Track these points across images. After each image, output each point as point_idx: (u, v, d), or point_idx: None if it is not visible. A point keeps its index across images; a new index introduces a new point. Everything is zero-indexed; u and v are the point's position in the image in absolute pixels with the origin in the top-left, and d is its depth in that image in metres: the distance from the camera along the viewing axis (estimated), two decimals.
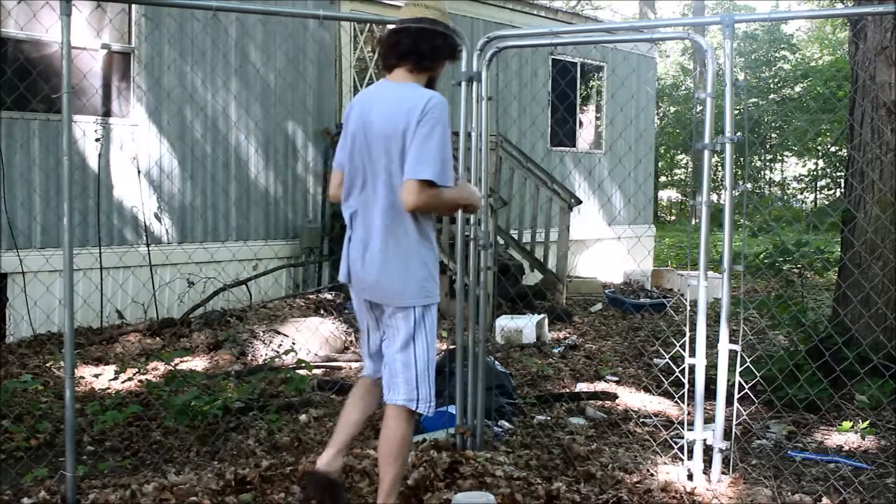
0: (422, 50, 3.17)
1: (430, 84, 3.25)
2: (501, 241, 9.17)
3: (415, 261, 3.10)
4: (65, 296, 3.43)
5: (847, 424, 4.79)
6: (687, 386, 3.88)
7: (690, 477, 3.83)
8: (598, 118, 12.84)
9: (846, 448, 4.60)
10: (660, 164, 24.55)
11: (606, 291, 10.08)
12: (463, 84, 4.04)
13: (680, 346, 3.97)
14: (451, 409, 4.23)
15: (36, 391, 5.31)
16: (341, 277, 3.28)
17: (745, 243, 4.92)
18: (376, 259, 3.10)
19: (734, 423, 4.44)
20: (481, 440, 4.11)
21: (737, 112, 3.72)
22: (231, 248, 8.29)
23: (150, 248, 7.83)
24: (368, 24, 9.74)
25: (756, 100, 23.30)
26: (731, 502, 3.64)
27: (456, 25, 3.55)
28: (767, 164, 25.63)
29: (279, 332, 6.79)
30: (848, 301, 5.40)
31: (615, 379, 6.18)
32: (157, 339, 7.06)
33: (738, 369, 3.82)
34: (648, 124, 13.54)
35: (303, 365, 5.47)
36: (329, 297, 8.36)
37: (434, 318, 3.21)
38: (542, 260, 9.36)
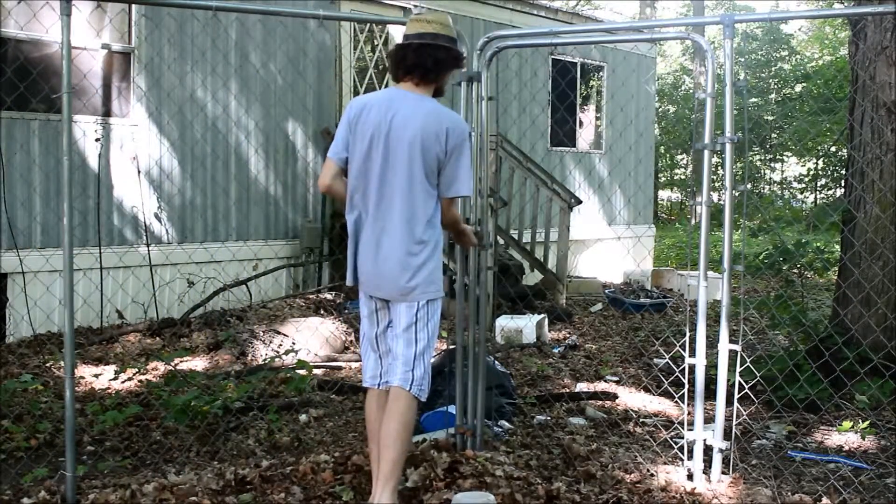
0: (426, 65, 3.39)
1: (438, 91, 3.50)
2: (501, 241, 9.17)
3: (430, 260, 3.35)
4: (65, 296, 3.43)
5: (847, 424, 4.79)
6: (687, 386, 3.89)
7: (690, 477, 3.83)
8: (598, 118, 12.84)
9: (846, 448, 4.60)
10: (659, 163, 24.53)
11: (606, 291, 10.08)
12: (463, 84, 4.04)
13: (680, 347, 3.97)
14: (451, 409, 4.23)
15: (36, 391, 5.31)
16: (349, 281, 3.46)
17: (745, 243, 4.92)
18: (391, 257, 3.31)
19: (734, 423, 4.44)
20: (481, 440, 4.11)
21: (736, 112, 3.72)
22: (231, 248, 8.29)
23: (150, 248, 7.83)
24: (368, 25, 9.74)
25: (756, 100, 23.27)
26: (731, 502, 3.64)
27: (456, 25, 3.57)
28: (767, 164, 25.60)
29: (279, 332, 6.79)
30: (848, 301, 5.40)
31: (615, 379, 6.18)
32: (157, 339, 7.06)
33: (738, 369, 3.82)
34: (648, 124, 13.53)
35: (303, 366, 5.46)
36: (329, 297, 8.36)
37: (438, 309, 3.43)
38: (542, 260, 9.36)
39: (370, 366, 3.49)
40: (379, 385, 3.45)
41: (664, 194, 27.63)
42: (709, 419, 3.91)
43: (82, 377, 5.78)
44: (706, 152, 3.71)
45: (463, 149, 3.36)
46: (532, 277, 9.56)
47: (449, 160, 3.34)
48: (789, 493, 3.74)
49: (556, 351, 7.05)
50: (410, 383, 3.32)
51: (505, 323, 7.36)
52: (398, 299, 3.35)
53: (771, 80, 24.75)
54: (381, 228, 3.32)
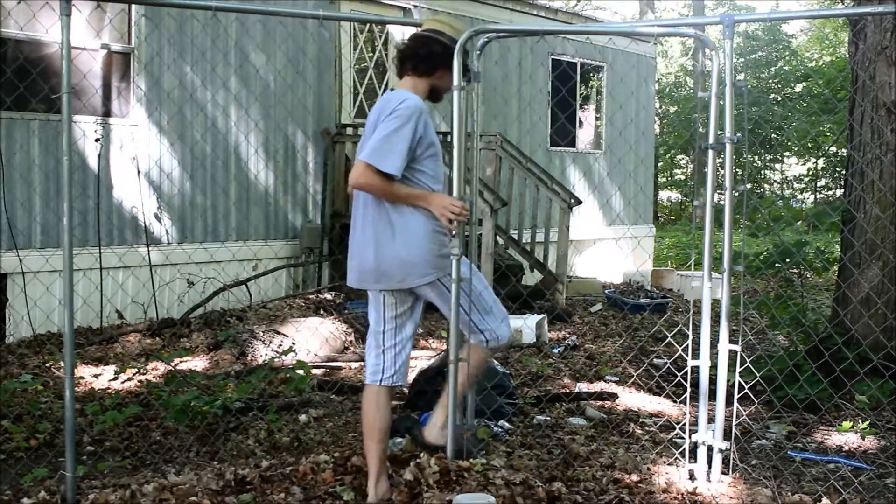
0: (418, 54, 3.43)
1: (435, 93, 3.49)
2: (501, 241, 9.17)
3: (409, 243, 3.31)
4: (65, 296, 3.43)
5: (847, 424, 4.78)
6: (689, 388, 3.88)
7: (691, 477, 3.83)
8: (597, 119, 12.84)
9: (846, 448, 4.60)
10: (659, 164, 24.52)
11: (606, 292, 10.08)
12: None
13: (681, 348, 3.97)
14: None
15: (36, 391, 5.30)
16: (349, 281, 3.53)
17: (745, 243, 4.92)
18: (369, 249, 3.35)
19: (734, 423, 4.44)
20: (475, 440, 4.10)
21: (736, 112, 3.72)
22: (231, 248, 8.28)
23: (150, 248, 7.83)
24: (368, 25, 9.74)
25: (756, 109, 23.25)
26: (731, 502, 3.64)
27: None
28: (767, 164, 25.59)
29: (279, 332, 6.78)
30: (848, 301, 5.40)
31: (615, 379, 6.17)
32: (157, 339, 7.06)
33: (738, 369, 3.82)
34: (648, 125, 13.52)
35: (302, 366, 5.45)
36: (329, 297, 8.35)
37: (450, 279, 3.44)
38: (541, 260, 9.36)
39: (371, 362, 3.50)
40: (380, 381, 3.46)
41: (664, 195, 27.63)
42: (709, 419, 3.91)
43: (82, 377, 5.78)
44: (710, 152, 3.71)
45: (386, 121, 3.22)
46: (532, 277, 9.56)
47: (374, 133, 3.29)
48: (789, 494, 3.74)
49: (556, 351, 7.05)
50: (485, 341, 3.50)
51: None
52: (412, 282, 3.37)
53: (771, 81, 24.74)
54: (360, 224, 3.40)
